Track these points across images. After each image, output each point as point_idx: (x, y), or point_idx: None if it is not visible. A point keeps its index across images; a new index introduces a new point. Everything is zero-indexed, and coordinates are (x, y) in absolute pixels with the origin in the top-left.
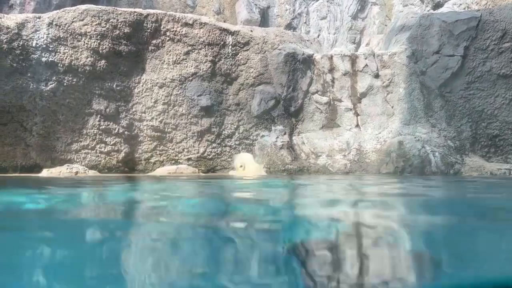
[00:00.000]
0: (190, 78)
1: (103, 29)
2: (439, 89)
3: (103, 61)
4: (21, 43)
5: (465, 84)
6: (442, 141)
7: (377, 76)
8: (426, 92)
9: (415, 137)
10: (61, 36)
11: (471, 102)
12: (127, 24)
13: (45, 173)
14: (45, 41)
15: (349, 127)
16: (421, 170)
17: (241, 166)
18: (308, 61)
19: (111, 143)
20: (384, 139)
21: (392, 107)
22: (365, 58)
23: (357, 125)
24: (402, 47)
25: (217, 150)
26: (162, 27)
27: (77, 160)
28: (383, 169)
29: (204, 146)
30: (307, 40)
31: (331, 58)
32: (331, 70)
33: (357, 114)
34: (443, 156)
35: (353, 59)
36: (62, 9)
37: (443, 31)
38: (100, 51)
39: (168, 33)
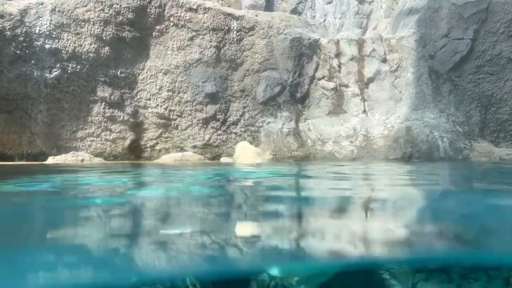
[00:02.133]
0: (195, 64)
1: (106, 15)
2: (448, 73)
3: (107, 48)
4: (24, 30)
5: (475, 68)
6: (451, 126)
7: (384, 60)
8: (435, 76)
9: (423, 123)
10: (64, 22)
11: (480, 86)
12: (130, 10)
13: (50, 160)
14: (48, 28)
15: (356, 113)
16: (429, 155)
17: (239, 153)
18: (314, 46)
19: (116, 130)
20: (392, 124)
21: (400, 92)
22: (373, 42)
23: (364, 111)
24: (410, 30)
25: (222, 137)
26: (166, 12)
27: (83, 148)
28: (390, 155)
29: (210, 133)
30: (313, 25)
31: (337, 42)
32: (338, 55)
33: (364, 100)
34: (451, 141)
35: (360, 44)
36: None
37: (452, 14)
38: (104, 38)
39: (172, 19)
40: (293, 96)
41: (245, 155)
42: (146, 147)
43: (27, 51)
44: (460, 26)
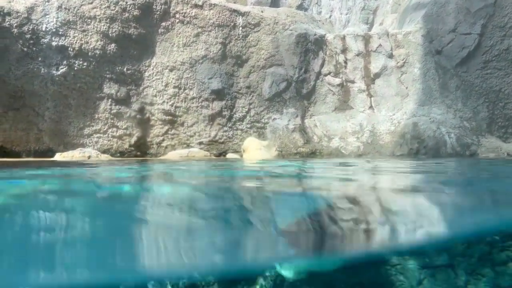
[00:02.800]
0: (201, 61)
1: (112, 12)
2: (455, 68)
3: (113, 45)
4: (31, 27)
5: (482, 63)
6: (458, 122)
7: (391, 56)
8: (442, 72)
9: (430, 118)
10: (70, 19)
11: (488, 81)
12: (136, 7)
13: (58, 157)
14: (55, 25)
15: (362, 109)
16: (436, 151)
17: (244, 149)
18: (320, 42)
19: (123, 127)
20: (398, 120)
21: (407, 88)
22: (379, 38)
23: (371, 107)
24: (417, 26)
25: (228, 134)
26: (171, 9)
27: (90, 144)
28: (397, 151)
29: (216, 130)
30: (319, 21)
31: (343, 38)
32: (344, 50)
33: (370, 96)
34: (458, 137)
35: (366, 39)
36: None
37: (459, 9)
38: (110, 35)
39: (177, 15)
40: (299, 92)
41: (253, 148)
42: (153, 144)
43: (34, 48)
44: (467, 21)
